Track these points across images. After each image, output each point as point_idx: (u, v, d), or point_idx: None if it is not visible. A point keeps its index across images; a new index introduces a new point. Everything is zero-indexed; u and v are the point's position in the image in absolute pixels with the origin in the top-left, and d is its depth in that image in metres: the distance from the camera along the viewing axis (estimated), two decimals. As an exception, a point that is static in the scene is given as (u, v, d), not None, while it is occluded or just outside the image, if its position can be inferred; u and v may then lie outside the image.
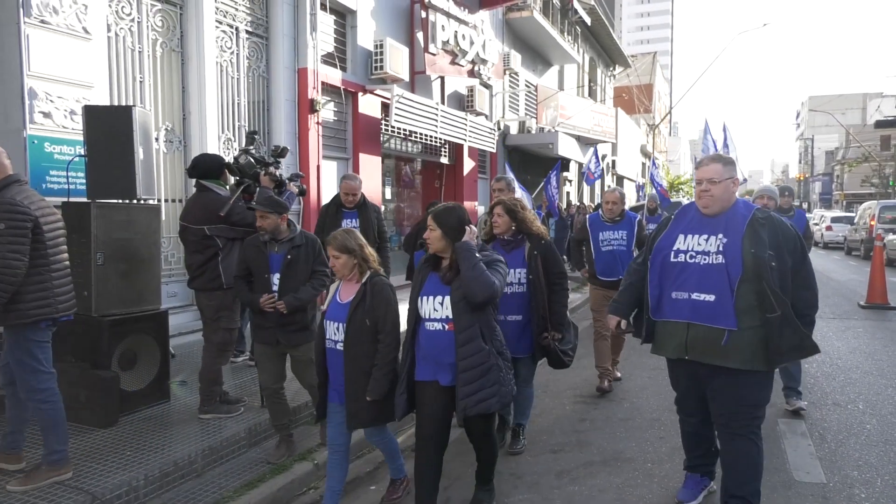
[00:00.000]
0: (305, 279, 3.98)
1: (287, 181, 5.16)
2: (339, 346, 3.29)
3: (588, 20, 21.60)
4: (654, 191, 15.45)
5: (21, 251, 3.22)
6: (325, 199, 9.11)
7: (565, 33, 20.07)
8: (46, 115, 5.43)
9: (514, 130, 16.29)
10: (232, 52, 7.84)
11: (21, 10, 5.22)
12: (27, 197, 3.36)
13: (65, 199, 4.72)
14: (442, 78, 12.30)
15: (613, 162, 27.12)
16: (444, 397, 3.18)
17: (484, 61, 12.93)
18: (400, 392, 3.26)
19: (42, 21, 5.38)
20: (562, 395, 5.79)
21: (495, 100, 15.23)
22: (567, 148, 17.27)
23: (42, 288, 3.36)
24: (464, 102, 13.31)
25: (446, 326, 3.14)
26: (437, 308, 3.17)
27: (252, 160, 4.72)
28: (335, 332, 3.31)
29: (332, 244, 3.34)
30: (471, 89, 13.31)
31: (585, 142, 20.21)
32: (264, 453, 4.23)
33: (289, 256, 3.93)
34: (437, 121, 11.36)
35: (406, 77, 10.73)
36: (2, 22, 5.26)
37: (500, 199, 4.34)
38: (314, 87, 8.81)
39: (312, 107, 8.79)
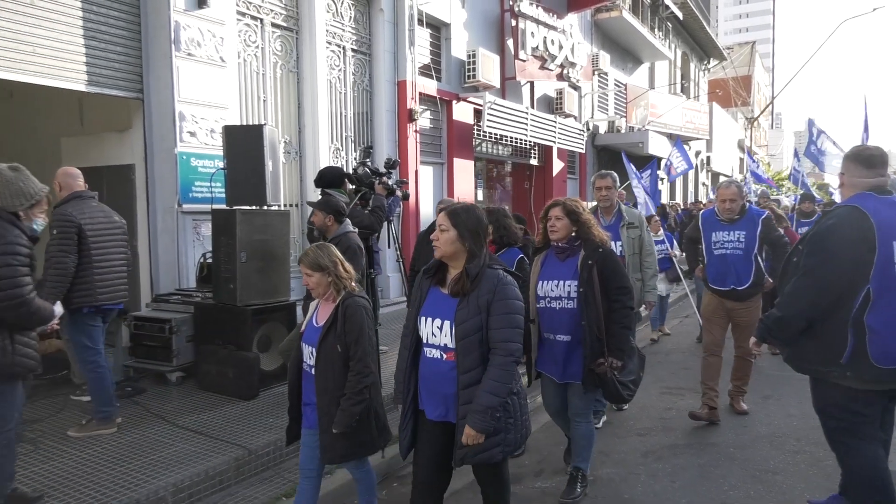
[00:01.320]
0: None
1: (394, 186, 5.80)
2: (313, 371, 3.03)
3: (680, 15, 21.28)
4: (754, 187, 14.95)
5: (68, 250, 4.09)
6: (423, 203, 9.81)
7: (656, 30, 19.91)
8: (192, 134, 6.34)
9: (603, 130, 16.45)
10: (340, 70, 8.63)
11: (172, 45, 6.14)
12: (78, 208, 4.24)
13: (213, 207, 5.55)
14: (531, 82, 12.71)
15: (708, 158, 26.46)
16: (445, 436, 2.74)
17: (572, 64, 13.23)
18: (403, 426, 2.80)
19: (189, 54, 6.28)
20: (648, 386, 6.08)
21: (584, 101, 15.46)
22: (658, 146, 17.19)
23: (84, 281, 4.18)
24: (553, 105, 13.67)
25: (444, 356, 2.66)
26: (435, 332, 2.68)
27: (368, 171, 5.37)
28: (309, 357, 3.06)
29: (303, 261, 3.06)
30: (560, 92, 13.65)
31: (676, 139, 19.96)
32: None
33: None
34: (526, 124, 11.79)
35: (497, 84, 11.23)
36: (158, 57, 6.20)
37: (557, 200, 3.78)
38: (412, 98, 9.48)
39: (411, 116, 9.46)
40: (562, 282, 3.56)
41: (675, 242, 9.20)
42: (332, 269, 3.02)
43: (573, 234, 3.63)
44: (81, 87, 5.80)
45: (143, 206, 6.39)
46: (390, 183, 5.49)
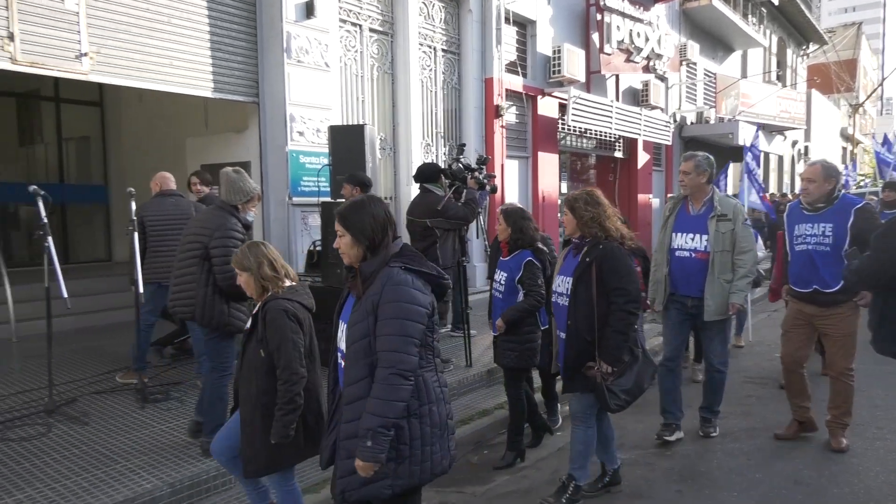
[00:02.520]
0: None
1: (484, 181, 6.21)
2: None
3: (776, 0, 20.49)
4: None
5: (136, 238, 4.92)
6: (509, 196, 10.18)
7: (749, 16, 19.28)
8: (301, 133, 7.00)
9: (690, 121, 16.21)
10: (430, 70, 9.12)
11: (284, 54, 6.81)
12: (147, 206, 5.21)
13: (322, 200, 6.16)
14: (616, 76, 12.78)
15: (806, 148, 25.30)
16: None
17: (659, 56, 13.18)
18: (326, 436, 2.47)
19: (298, 61, 6.93)
20: (731, 375, 6.18)
21: (671, 92, 15.30)
22: (748, 137, 16.72)
23: (150, 262, 5.12)
24: (638, 97, 13.67)
25: (343, 363, 2.40)
26: (340, 337, 2.43)
27: (462, 167, 5.81)
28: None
29: (233, 261, 3.03)
30: (646, 84, 13.63)
31: (770, 129, 19.31)
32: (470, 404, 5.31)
33: None
34: (611, 117, 11.90)
35: (582, 78, 11.41)
36: (272, 64, 6.89)
37: (569, 195, 3.68)
38: (499, 94, 9.85)
39: (497, 112, 9.84)
40: (566, 277, 3.50)
41: (758, 240, 8.92)
42: (254, 270, 2.90)
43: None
44: (208, 94, 6.57)
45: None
46: (481, 177, 5.90)
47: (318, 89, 7.16)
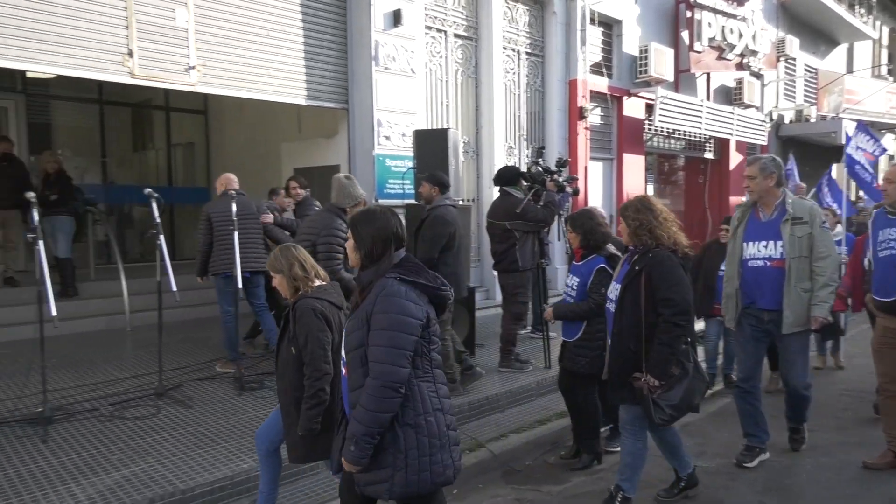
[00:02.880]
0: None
1: (565, 183, 6.23)
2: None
3: (887, -12, 19.13)
4: None
5: (202, 232, 5.44)
6: (592, 198, 10.10)
7: (856, 6, 18.09)
8: (387, 138, 7.26)
9: (789, 120, 15.41)
10: (514, 73, 9.19)
11: (373, 61, 7.09)
12: (214, 204, 5.62)
13: (406, 202, 6.39)
14: (707, 74, 12.37)
15: (921, 147, 23.39)
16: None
17: (753, 52, 12.64)
18: (335, 440, 2.55)
19: (385, 68, 7.20)
20: (827, 387, 5.94)
21: (767, 89, 14.62)
22: (850, 133, 15.71)
23: (217, 255, 5.43)
24: (731, 96, 13.17)
25: (343, 370, 2.47)
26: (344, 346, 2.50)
27: (541, 170, 5.87)
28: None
29: (268, 265, 3.16)
30: (739, 82, 13.11)
31: (879, 128, 18.03)
32: (546, 406, 5.36)
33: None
34: (701, 117, 11.54)
35: (670, 77, 11.14)
36: (360, 72, 7.19)
37: (626, 202, 3.62)
38: (583, 96, 9.79)
39: (581, 114, 9.78)
40: (617, 284, 3.49)
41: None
42: (286, 271, 3.03)
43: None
44: (301, 101, 6.95)
45: (346, 201, 7.44)
46: (560, 180, 5.94)
47: (404, 95, 7.40)
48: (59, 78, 6.89)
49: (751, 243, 4.15)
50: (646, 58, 10.69)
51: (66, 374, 5.47)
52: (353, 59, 7.26)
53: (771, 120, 14.60)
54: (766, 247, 4.09)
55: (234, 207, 5.10)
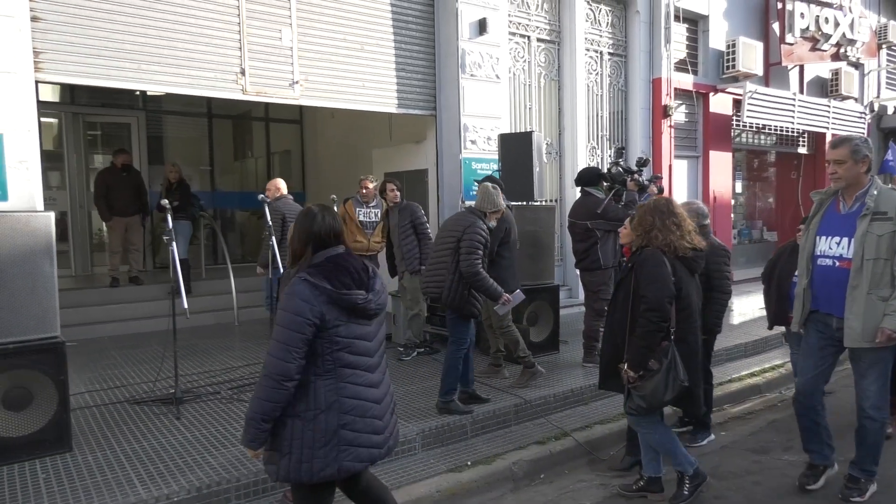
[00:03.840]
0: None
1: (647, 182, 6.33)
2: None
3: None
4: None
5: (280, 230, 5.82)
6: (677, 197, 10.03)
7: (971, -13, 16.82)
8: (473, 142, 7.58)
9: (892, 110, 14.57)
10: (596, 74, 9.30)
11: (459, 69, 7.42)
12: (282, 205, 6.32)
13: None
14: (800, 66, 11.96)
15: None
16: None
17: (851, 41, 12.09)
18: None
19: (471, 75, 7.52)
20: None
21: (867, 79, 13.91)
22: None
23: (285, 249, 5.48)
24: (826, 88, 12.64)
25: None
26: None
27: (621, 170, 6.01)
28: None
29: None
30: (835, 73, 12.56)
31: None
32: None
33: None
34: (793, 111, 11.19)
35: (759, 72, 10.87)
36: (448, 80, 7.54)
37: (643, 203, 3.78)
38: (667, 94, 9.75)
39: (665, 112, 9.74)
40: None
41: None
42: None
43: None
44: (392, 110, 7.38)
45: (434, 203, 7.82)
46: (641, 179, 6.04)
47: (489, 100, 7.70)
48: (173, 95, 7.64)
49: (824, 238, 3.68)
50: (733, 52, 10.49)
51: (188, 362, 6.10)
52: (440, 68, 7.62)
53: (871, 111, 13.86)
54: (838, 243, 3.61)
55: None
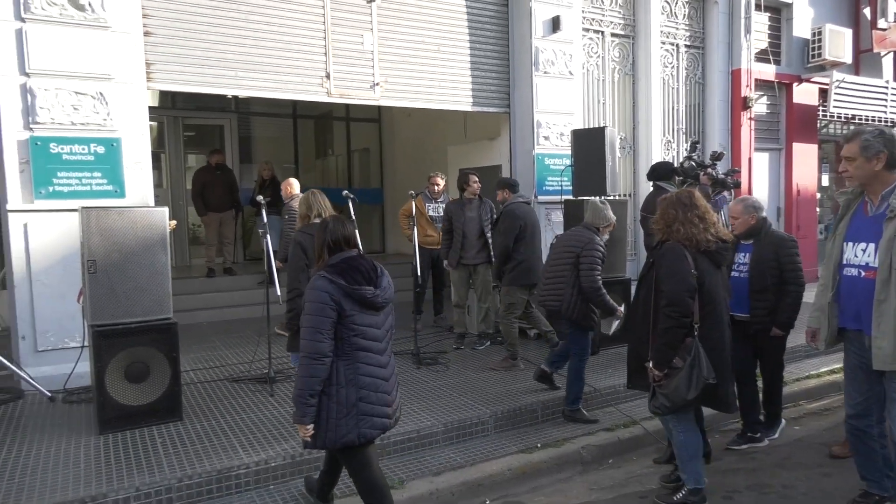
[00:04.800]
0: None
1: (723, 176, 6.31)
2: None
3: None
4: None
5: (294, 226, 5.77)
6: (757, 190, 9.83)
7: None
8: (546, 138, 7.73)
9: None
10: (672, 67, 9.23)
11: (532, 67, 7.59)
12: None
13: (564, 198, 6.81)
14: (894, 52, 11.37)
15: None
16: None
17: (953, 25, 11.38)
18: None
19: (545, 72, 7.67)
20: None
21: (973, 64, 13.02)
22: None
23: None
24: (925, 74, 11.95)
25: None
26: None
27: (694, 164, 6.03)
28: None
29: None
30: (934, 58, 11.86)
31: None
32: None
33: None
34: (885, 100, 10.68)
35: (848, 59, 10.44)
36: (521, 77, 7.73)
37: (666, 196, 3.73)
38: (747, 85, 9.55)
39: (745, 104, 9.55)
40: None
41: None
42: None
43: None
44: (467, 108, 7.63)
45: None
46: (716, 173, 6.04)
47: (562, 96, 7.82)
48: (262, 97, 8.16)
49: (851, 244, 3.29)
50: (819, 40, 10.14)
51: (280, 346, 6.57)
52: (514, 67, 7.81)
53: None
54: (864, 250, 3.20)
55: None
